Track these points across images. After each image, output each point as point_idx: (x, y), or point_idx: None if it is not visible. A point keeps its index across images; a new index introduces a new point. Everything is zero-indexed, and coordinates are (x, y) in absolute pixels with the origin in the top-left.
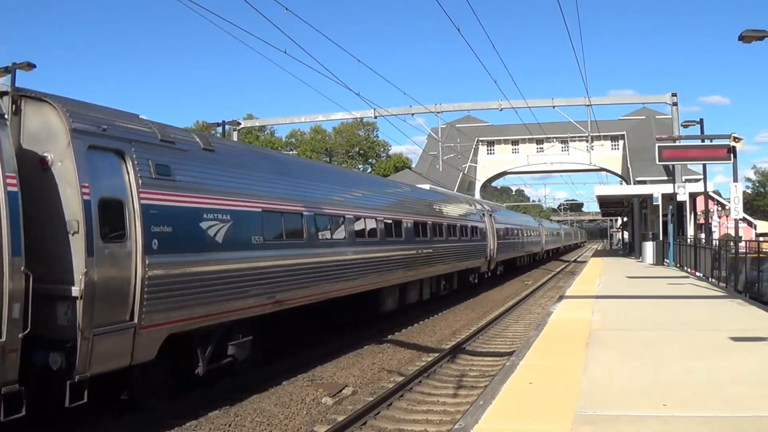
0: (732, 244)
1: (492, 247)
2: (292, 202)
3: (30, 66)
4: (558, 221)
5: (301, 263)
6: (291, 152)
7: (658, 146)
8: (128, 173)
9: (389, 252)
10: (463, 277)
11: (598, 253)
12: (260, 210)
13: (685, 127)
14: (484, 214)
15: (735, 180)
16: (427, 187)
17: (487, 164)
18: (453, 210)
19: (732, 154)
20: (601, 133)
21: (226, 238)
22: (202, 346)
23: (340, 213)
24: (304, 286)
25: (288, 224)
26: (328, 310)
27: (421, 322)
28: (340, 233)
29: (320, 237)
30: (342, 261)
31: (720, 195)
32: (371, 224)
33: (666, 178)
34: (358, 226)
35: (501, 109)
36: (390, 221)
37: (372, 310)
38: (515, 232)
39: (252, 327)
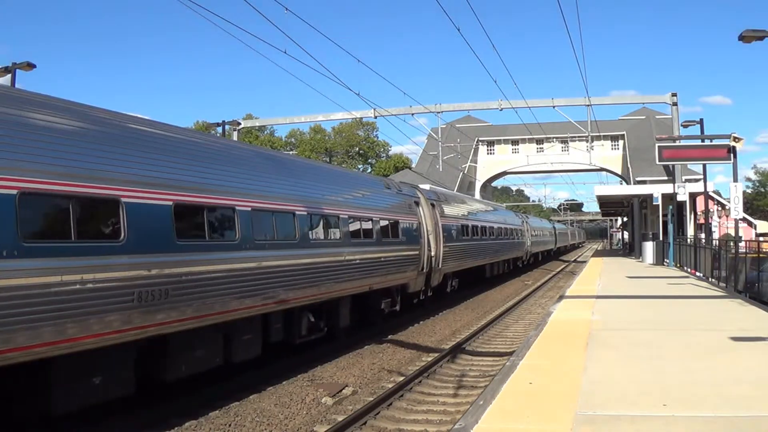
0: (732, 244)
1: (434, 253)
2: None
3: (30, 66)
4: (558, 221)
5: None
6: (291, 152)
7: (658, 146)
8: None
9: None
10: (373, 302)
11: (598, 253)
12: None
13: (685, 127)
14: (418, 203)
15: (735, 180)
16: (427, 187)
17: (487, 164)
18: (333, 191)
19: (732, 154)
20: (601, 133)
21: None
22: None
23: None
24: None
25: None
26: None
27: (421, 322)
28: None
29: None
30: None
31: (720, 195)
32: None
33: (666, 178)
34: None
35: (501, 109)
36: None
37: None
38: (480, 230)
39: None
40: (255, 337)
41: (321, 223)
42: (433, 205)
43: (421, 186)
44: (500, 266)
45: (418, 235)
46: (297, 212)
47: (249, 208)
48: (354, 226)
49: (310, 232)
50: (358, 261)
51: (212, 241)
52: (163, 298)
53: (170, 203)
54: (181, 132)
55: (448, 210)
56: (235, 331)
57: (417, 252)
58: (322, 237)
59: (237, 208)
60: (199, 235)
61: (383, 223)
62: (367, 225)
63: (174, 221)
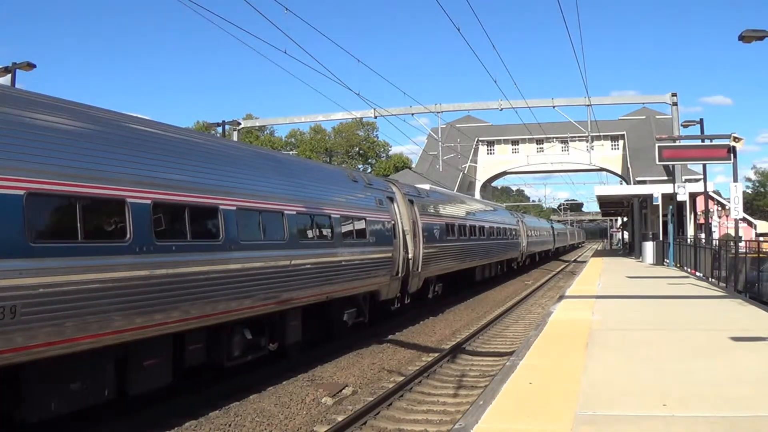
0: (732, 244)
1: (412, 255)
2: None
3: (30, 66)
4: (558, 221)
5: None
6: (291, 152)
7: (658, 146)
8: None
9: None
10: (334, 313)
11: (598, 253)
12: None
13: (685, 127)
14: (393, 199)
15: (735, 180)
16: (427, 187)
17: (487, 164)
18: (275, 183)
19: (732, 154)
20: (601, 133)
21: None
22: None
23: None
24: None
25: None
26: None
27: (421, 322)
28: None
29: None
30: None
31: (720, 195)
32: None
33: (666, 178)
34: None
35: (501, 109)
36: None
37: None
38: (468, 229)
39: None
40: (162, 361)
41: (258, 221)
42: (411, 202)
43: (421, 186)
44: (492, 268)
45: (391, 235)
46: (222, 207)
47: (148, 201)
48: (304, 225)
49: (240, 232)
50: (309, 266)
51: (89, 243)
52: (9, 317)
53: (21, 192)
54: (54, 100)
55: (431, 207)
56: (132, 355)
57: (390, 254)
58: (258, 238)
59: (129, 200)
60: (69, 236)
61: (345, 221)
62: (323, 223)
63: (27, 217)
